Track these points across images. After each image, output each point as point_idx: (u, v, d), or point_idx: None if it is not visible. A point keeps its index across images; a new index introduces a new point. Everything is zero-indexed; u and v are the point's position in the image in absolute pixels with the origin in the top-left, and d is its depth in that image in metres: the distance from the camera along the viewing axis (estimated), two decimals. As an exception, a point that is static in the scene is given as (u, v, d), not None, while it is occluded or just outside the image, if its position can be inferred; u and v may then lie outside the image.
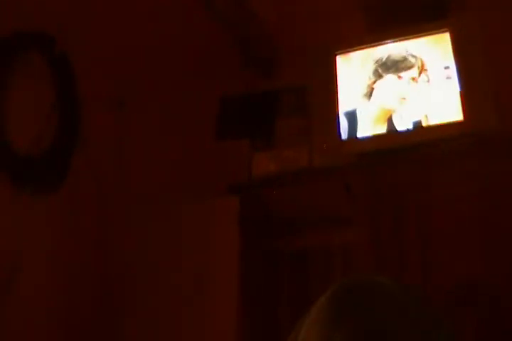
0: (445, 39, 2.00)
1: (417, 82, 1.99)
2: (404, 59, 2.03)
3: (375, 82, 2.05)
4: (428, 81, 1.98)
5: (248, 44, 2.48)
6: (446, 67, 1.96)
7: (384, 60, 2.06)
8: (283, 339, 0.86)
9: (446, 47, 1.98)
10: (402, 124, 1.98)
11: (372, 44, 2.10)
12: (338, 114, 2.06)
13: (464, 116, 1.89)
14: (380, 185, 1.91)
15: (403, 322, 0.77)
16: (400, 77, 2.02)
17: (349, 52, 2.13)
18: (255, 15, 2.39)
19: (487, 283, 1.70)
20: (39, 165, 1.88)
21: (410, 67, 2.02)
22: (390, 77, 2.03)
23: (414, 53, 2.03)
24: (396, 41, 2.07)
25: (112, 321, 2.02)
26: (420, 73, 1.99)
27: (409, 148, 1.94)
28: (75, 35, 2.04)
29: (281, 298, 2.21)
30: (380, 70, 2.05)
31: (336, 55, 2.13)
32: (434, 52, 2.00)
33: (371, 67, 2.06)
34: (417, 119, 1.95)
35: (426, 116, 1.95)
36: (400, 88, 2.02)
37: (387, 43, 2.08)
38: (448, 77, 1.95)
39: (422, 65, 2.00)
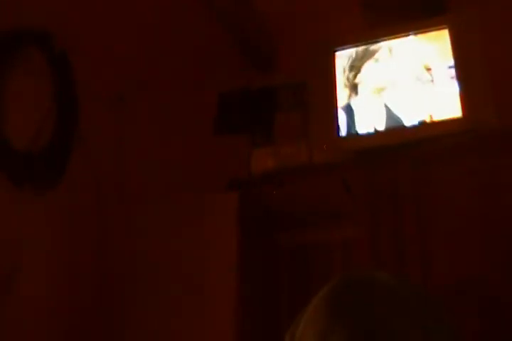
0: (445, 37, 1.99)
1: (391, 57, 2.03)
2: (370, 46, 2.07)
3: (355, 76, 2.06)
4: (432, 80, 1.97)
5: (248, 41, 2.48)
6: (451, 67, 1.95)
7: (354, 55, 2.09)
8: (283, 335, 0.86)
9: (448, 46, 1.98)
10: (402, 113, 1.98)
11: (371, 40, 2.10)
12: (337, 110, 2.06)
13: (463, 112, 1.89)
14: (379, 181, 1.91)
15: (403, 317, 0.77)
16: (376, 60, 2.04)
17: (348, 48, 2.12)
18: (255, 13, 2.39)
19: (487, 279, 1.70)
20: (38, 162, 1.88)
21: (379, 49, 2.06)
22: (368, 65, 2.05)
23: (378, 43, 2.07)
24: (395, 38, 2.07)
25: (111, 320, 2.02)
26: (391, 52, 2.02)
27: (409, 145, 1.94)
28: (75, 33, 2.03)
29: (281, 294, 2.21)
30: (356, 63, 2.07)
31: (334, 52, 2.13)
32: (438, 51, 1.99)
33: (347, 65, 2.08)
34: (421, 119, 1.95)
35: (430, 116, 1.95)
36: (381, 68, 2.04)
37: (386, 40, 2.08)
38: (452, 77, 1.94)
39: (390, 48, 2.04)
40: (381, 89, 2.02)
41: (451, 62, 1.95)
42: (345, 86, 2.07)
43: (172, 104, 2.48)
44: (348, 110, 2.05)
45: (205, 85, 2.52)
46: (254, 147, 2.27)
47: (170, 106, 2.48)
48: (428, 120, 1.94)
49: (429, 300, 0.83)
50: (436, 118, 1.94)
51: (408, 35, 2.04)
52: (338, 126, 2.04)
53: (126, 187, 2.20)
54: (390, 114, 2.00)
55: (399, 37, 2.06)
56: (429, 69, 1.99)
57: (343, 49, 2.12)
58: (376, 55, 2.06)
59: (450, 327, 0.80)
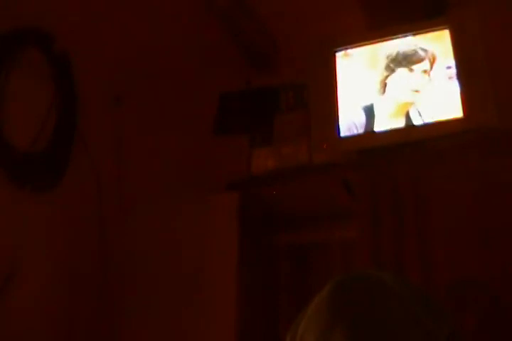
0: (446, 37, 1.99)
1: (429, 75, 1.99)
2: (415, 52, 2.03)
3: (387, 77, 2.05)
4: (430, 80, 1.97)
5: (248, 41, 2.47)
6: (449, 67, 1.96)
7: (394, 55, 2.06)
8: (283, 335, 0.86)
9: (448, 46, 1.98)
10: (419, 119, 1.97)
11: (372, 41, 2.10)
12: (338, 111, 2.06)
13: (464, 112, 1.89)
14: (379, 182, 1.91)
15: (403, 317, 0.77)
16: (411, 70, 2.02)
17: (348, 49, 2.12)
18: (255, 13, 2.39)
19: (487, 280, 1.70)
20: (38, 162, 1.88)
21: (421, 60, 2.02)
22: (401, 71, 2.03)
23: (424, 47, 2.03)
24: (396, 38, 2.06)
25: (112, 320, 2.02)
26: (432, 66, 1.99)
27: (409, 145, 1.94)
28: (74, 32, 2.04)
29: (280, 294, 2.21)
30: (391, 65, 2.05)
31: (335, 52, 2.12)
32: (436, 51, 2.00)
33: (383, 62, 2.06)
34: (422, 119, 1.95)
35: (431, 116, 1.94)
36: (412, 81, 2.02)
37: (387, 40, 2.08)
38: (450, 77, 1.94)
39: (434, 58, 2.00)
40: (406, 100, 2.01)
41: (450, 63, 1.95)
42: (376, 81, 2.06)
43: (172, 104, 2.48)
44: (370, 107, 2.04)
45: (206, 85, 2.52)
46: (255, 147, 2.27)
47: (170, 106, 2.48)
48: (429, 120, 1.94)
49: (429, 300, 0.83)
50: (438, 118, 1.93)
51: (407, 35, 2.04)
52: (338, 126, 2.04)
53: (126, 187, 2.20)
54: (408, 115, 1.99)
55: (399, 37, 2.06)
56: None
57: (344, 50, 2.12)
58: (414, 66, 2.03)
59: (450, 327, 0.81)
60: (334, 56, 2.12)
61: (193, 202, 2.12)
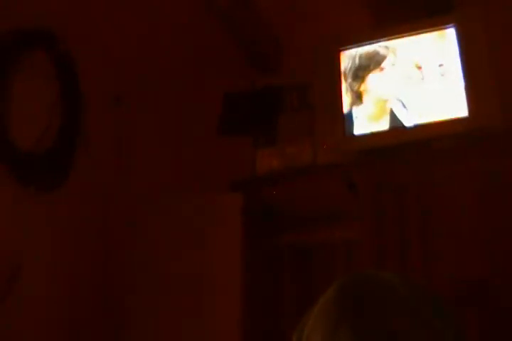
0: (445, 35, 1.99)
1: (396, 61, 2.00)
2: (377, 52, 2.04)
3: (360, 86, 2.05)
4: (422, 78, 1.97)
5: (251, 41, 2.47)
6: (441, 65, 1.96)
7: (357, 62, 2.06)
8: (286, 335, 0.87)
9: (444, 45, 1.98)
10: (405, 115, 1.97)
11: (377, 40, 2.09)
12: (343, 111, 2.05)
13: (469, 112, 1.88)
14: (383, 182, 1.91)
15: (408, 317, 0.77)
16: (381, 69, 2.03)
17: (353, 48, 2.12)
18: (258, 12, 2.39)
19: (489, 280, 1.70)
20: (42, 163, 1.88)
21: (385, 57, 2.03)
22: (372, 75, 2.04)
23: (382, 44, 2.04)
24: (400, 37, 2.06)
25: (113, 321, 2.03)
26: (396, 58, 2.01)
27: (413, 145, 1.94)
28: (76, 32, 2.04)
29: (284, 294, 2.21)
30: (359, 74, 2.05)
31: (340, 51, 2.12)
32: (431, 50, 2.00)
33: (349, 72, 2.06)
34: (425, 119, 1.95)
35: (435, 115, 1.94)
36: (386, 78, 2.02)
37: (391, 39, 2.07)
38: (442, 74, 1.94)
39: (395, 51, 2.02)
40: (387, 100, 2.01)
41: (442, 61, 1.96)
42: (347, 92, 2.06)
43: (173, 104, 2.48)
44: (350, 116, 2.05)
45: (206, 85, 2.52)
46: (259, 147, 2.27)
47: (171, 106, 2.48)
48: (433, 120, 1.94)
49: (434, 299, 0.83)
50: (442, 117, 1.93)
51: (411, 34, 2.04)
52: (343, 126, 2.03)
53: (130, 188, 2.20)
54: (393, 113, 1.99)
55: (404, 36, 2.05)
56: (419, 68, 2.00)
57: (349, 49, 2.11)
58: (382, 65, 2.04)
59: (456, 326, 0.81)
60: (339, 55, 2.11)
61: (196, 202, 2.11)
